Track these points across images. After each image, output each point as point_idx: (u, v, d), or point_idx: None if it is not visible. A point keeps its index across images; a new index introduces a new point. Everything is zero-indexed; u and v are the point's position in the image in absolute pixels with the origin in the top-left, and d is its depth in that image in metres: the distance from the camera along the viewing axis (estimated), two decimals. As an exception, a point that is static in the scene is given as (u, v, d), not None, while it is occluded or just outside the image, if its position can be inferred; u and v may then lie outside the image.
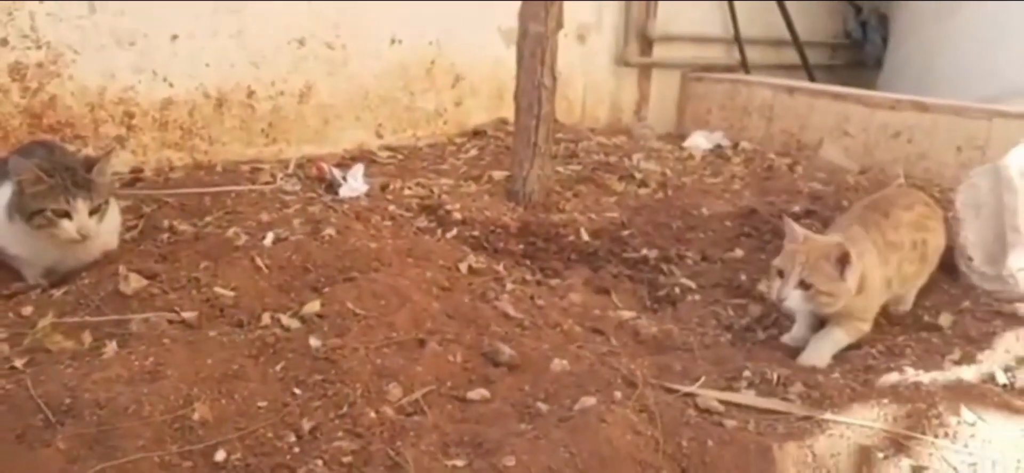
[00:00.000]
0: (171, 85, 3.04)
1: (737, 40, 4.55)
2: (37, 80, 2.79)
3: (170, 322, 1.78)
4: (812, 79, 4.68)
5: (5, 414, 1.43)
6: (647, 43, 4.31)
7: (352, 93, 3.49)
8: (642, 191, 3.17)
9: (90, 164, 2.03)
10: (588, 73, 4.20)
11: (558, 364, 1.75)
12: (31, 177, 1.90)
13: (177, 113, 3.07)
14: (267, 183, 2.84)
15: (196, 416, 1.44)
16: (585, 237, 2.72)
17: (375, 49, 3.50)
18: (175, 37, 3.00)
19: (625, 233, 2.78)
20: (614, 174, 3.29)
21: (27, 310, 1.89)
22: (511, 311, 2.00)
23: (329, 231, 2.34)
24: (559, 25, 2.97)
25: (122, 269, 1.98)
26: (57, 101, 2.83)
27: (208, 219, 2.45)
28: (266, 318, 1.85)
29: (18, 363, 1.64)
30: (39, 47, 2.76)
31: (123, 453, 1.33)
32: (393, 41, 3.55)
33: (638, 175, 3.30)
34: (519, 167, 2.97)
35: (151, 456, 1.33)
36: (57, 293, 1.95)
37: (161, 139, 3.06)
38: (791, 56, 4.78)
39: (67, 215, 1.92)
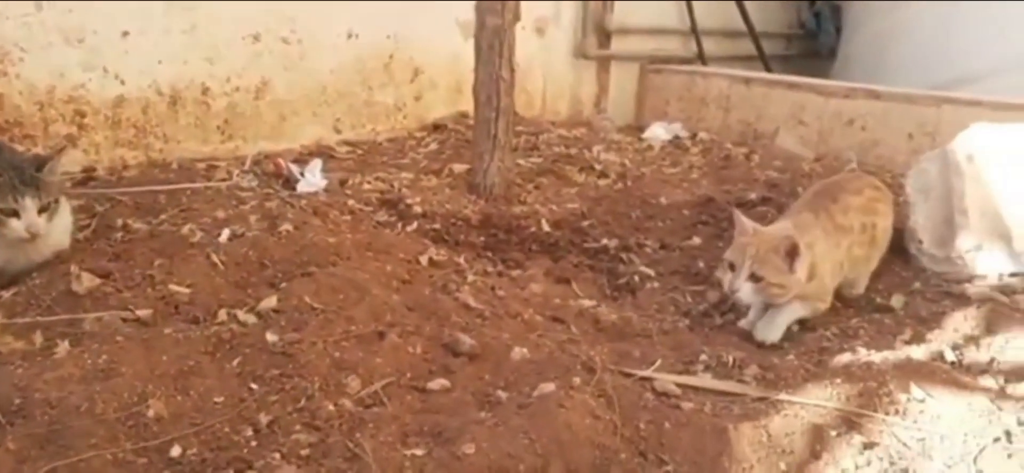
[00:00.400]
0: (123, 82, 2.98)
1: (694, 32, 4.60)
2: (-18, 78, 2.71)
3: (124, 320, 1.75)
4: (768, 69, 4.76)
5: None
6: (605, 36, 4.34)
7: (309, 88, 3.46)
8: (602, 182, 3.19)
9: (40, 163, 1.99)
10: (547, 66, 4.22)
11: (518, 353, 1.76)
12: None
13: (130, 111, 3.02)
14: (223, 180, 2.81)
15: (151, 413, 1.42)
16: (546, 228, 2.73)
17: (332, 43, 3.48)
18: (126, 34, 2.95)
19: (585, 223, 2.80)
20: (574, 166, 3.31)
21: (-25, 310, 1.84)
22: (472, 302, 2.00)
23: (286, 227, 2.32)
24: (516, 18, 2.97)
25: (74, 268, 1.94)
26: (4, 100, 2.76)
27: (163, 217, 2.41)
28: (222, 314, 1.83)
29: (-37, 365, 1.60)
30: (-19, 44, 2.69)
31: (75, 451, 1.31)
32: (350, 35, 3.52)
33: (598, 166, 3.32)
34: (479, 160, 2.98)
35: (104, 454, 1.31)
36: (6, 294, 1.90)
37: (114, 137, 3.01)
38: (747, 47, 4.86)
39: (15, 214, 1.88)
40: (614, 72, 4.47)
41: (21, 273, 2.03)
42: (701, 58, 4.60)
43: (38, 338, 1.75)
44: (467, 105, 3.84)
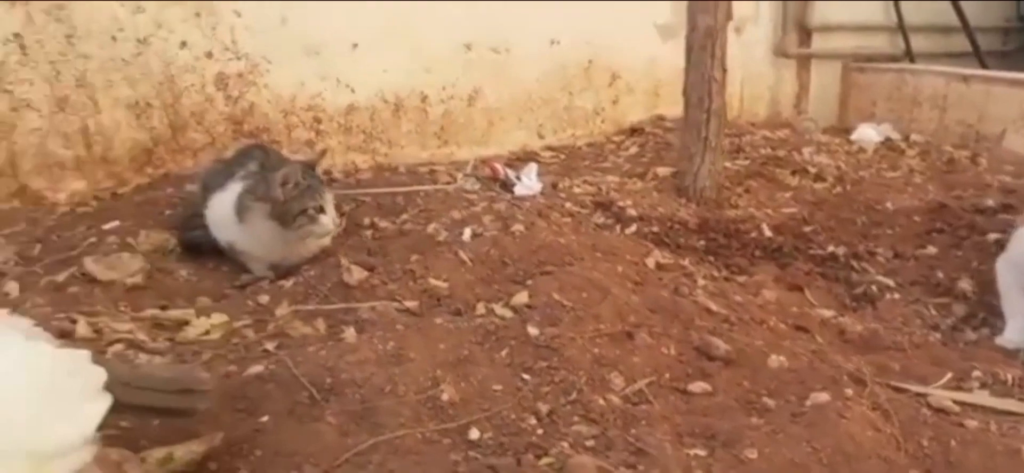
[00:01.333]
0: (353, 91, 3.22)
1: (901, 28, 4.35)
2: (238, 89, 3.02)
3: (397, 310, 1.90)
4: (984, 66, 4.42)
5: (274, 391, 1.57)
6: (805, 33, 4.20)
7: (516, 95, 3.58)
8: (818, 186, 3.10)
9: (310, 165, 2.20)
10: (746, 66, 4.14)
11: (775, 360, 1.75)
12: (293, 181, 2.07)
13: (359, 118, 3.25)
14: (447, 183, 2.96)
15: (445, 396, 1.53)
16: (767, 233, 2.68)
17: (536, 51, 3.58)
18: (355, 46, 3.18)
19: (808, 229, 2.73)
20: (785, 168, 3.23)
21: (264, 299, 2.06)
22: (713, 306, 2.01)
23: (518, 227, 2.42)
24: (728, 17, 2.95)
25: (344, 262, 2.12)
26: (255, 108, 3.06)
27: (404, 217, 2.58)
28: (480, 308, 1.94)
29: (270, 346, 1.80)
30: (239, 58, 3.00)
31: (388, 429, 1.43)
32: (553, 43, 3.62)
33: (812, 169, 3.23)
34: (689, 162, 2.97)
35: (414, 432, 1.43)
36: (287, 284, 2.11)
37: (346, 143, 3.25)
38: (959, 43, 4.53)
39: (323, 210, 2.09)
40: (815, 71, 4.32)
41: (294, 266, 2.25)
42: (909, 55, 4.35)
43: (321, 324, 1.94)
44: (664, 108, 3.85)
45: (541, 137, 3.68)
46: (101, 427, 1.27)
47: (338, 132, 3.23)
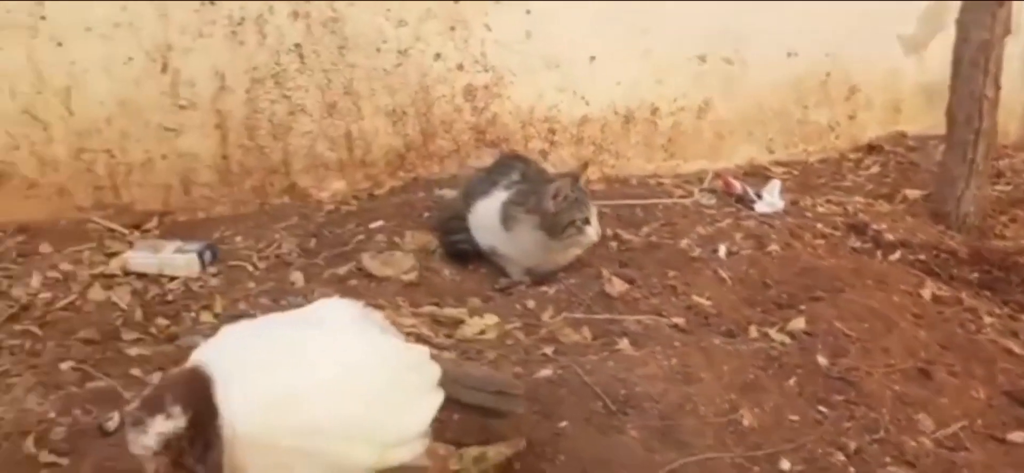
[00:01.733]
0: (587, 103, 3.27)
1: None
2: (483, 100, 3.15)
3: (669, 327, 1.91)
4: None
5: (568, 397, 1.63)
6: (1073, 47, 3.77)
7: (746, 107, 3.49)
8: (1105, 218, 2.79)
9: (575, 178, 2.26)
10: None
11: (1101, 412, 1.59)
12: (563, 194, 2.15)
13: (591, 129, 3.29)
14: (683, 196, 2.94)
15: (745, 422, 1.52)
16: (1046, 267, 2.45)
17: (771, 62, 3.47)
18: (593, 59, 3.22)
19: (1093, 265, 2.45)
20: (1057, 197, 2.94)
21: (530, 304, 2.14)
22: (1013, 347, 1.85)
23: (773, 247, 2.37)
24: (1007, 31, 2.72)
25: (605, 272, 2.16)
26: (497, 119, 3.18)
27: (646, 229, 2.59)
28: (753, 331, 1.91)
29: (548, 350, 1.86)
30: (486, 71, 3.12)
31: (694, 449, 1.44)
32: (789, 54, 3.48)
33: (1089, 198, 2.91)
34: (951, 186, 2.77)
35: (722, 456, 1.42)
36: (550, 291, 2.18)
37: (576, 154, 3.30)
38: None
39: (588, 222, 2.15)
40: (1081, 89, 3.88)
41: (549, 273, 2.32)
42: None
43: (587, 332, 1.98)
44: (904, 124, 3.62)
45: (771, 152, 3.57)
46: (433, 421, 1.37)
47: (570, 143, 3.29)
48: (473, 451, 1.43)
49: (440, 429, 1.43)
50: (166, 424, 1.21)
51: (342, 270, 2.40)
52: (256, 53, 2.86)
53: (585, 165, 2.38)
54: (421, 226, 2.67)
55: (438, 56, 3.04)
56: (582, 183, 2.28)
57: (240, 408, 1.23)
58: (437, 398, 1.38)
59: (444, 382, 1.40)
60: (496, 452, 1.45)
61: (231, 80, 2.86)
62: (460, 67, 3.09)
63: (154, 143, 2.86)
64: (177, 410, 1.22)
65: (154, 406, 1.22)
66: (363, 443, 1.30)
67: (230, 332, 1.37)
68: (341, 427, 1.28)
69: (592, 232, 2.18)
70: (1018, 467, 1.47)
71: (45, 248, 2.62)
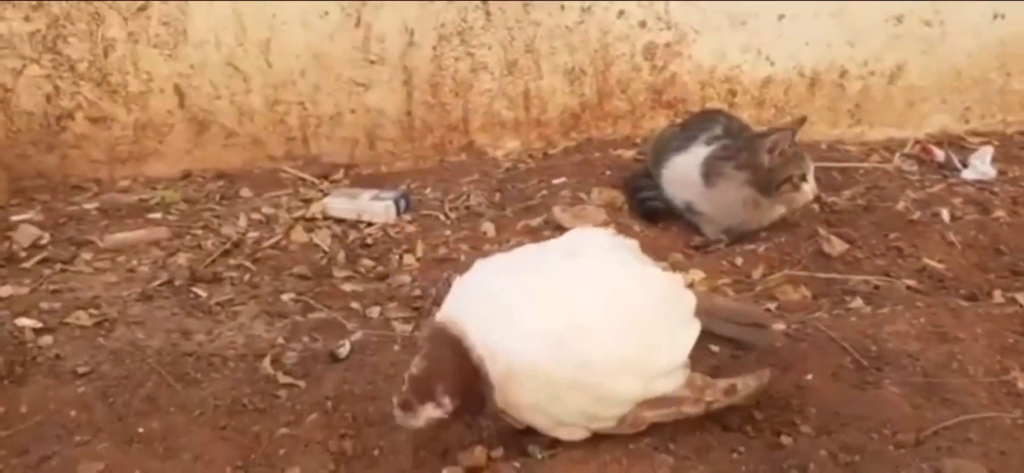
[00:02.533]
0: (772, 64, 3.13)
1: None
2: (664, 59, 3.07)
3: (909, 288, 1.79)
4: None
5: (809, 351, 1.54)
6: None
7: (942, 73, 3.25)
8: None
9: (792, 132, 2.15)
10: None
11: None
12: (779, 148, 2.06)
13: (774, 92, 3.15)
14: (882, 162, 2.78)
15: (1020, 383, 1.40)
16: None
17: (974, 26, 3.21)
18: (781, 17, 3.07)
19: None
20: None
21: (738, 261, 2.07)
22: None
23: (999, 213, 2.19)
24: None
25: (821, 231, 2.05)
26: (676, 79, 3.10)
27: (848, 192, 2.45)
28: (998, 295, 1.76)
29: (770, 306, 1.78)
30: (669, 28, 3.03)
31: (968, 408, 1.34)
32: (995, 16, 3.21)
33: None
34: None
35: (1001, 416, 1.31)
36: (759, 249, 2.10)
37: (757, 117, 3.17)
38: None
39: (805, 179, 2.05)
40: None
41: (749, 232, 2.23)
42: None
43: (804, 290, 1.89)
44: (1125, 95, 3.27)
45: (966, 122, 3.31)
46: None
47: (751, 105, 3.16)
48: (722, 383, 1.37)
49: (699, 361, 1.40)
50: (435, 412, 1.27)
51: (534, 222, 2.39)
52: (445, 9, 2.89)
53: (802, 119, 2.26)
54: (604, 182, 2.63)
55: (621, 13, 2.99)
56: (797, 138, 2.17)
57: (514, 344, 1.24)
58: (696, 327, 1.34)
59: (698, 312, 1.36)
60: (744, 385, 1.38)
61: (420, 36, 2.91)
62: (643, 24, 3.03)
63: (344, 97, 2.96)
64: (446, 401, 1.26)
65: (424, 394, 1.27)
66: (631, 374, 1.28)
67: (487, 267, 1.38)
68: (612, 359, 1.26)
69: (809, 190, 2.07)
70: None
71: (245, 192, 2.77)
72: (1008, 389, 1.40)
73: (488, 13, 2.93)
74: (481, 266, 1.38)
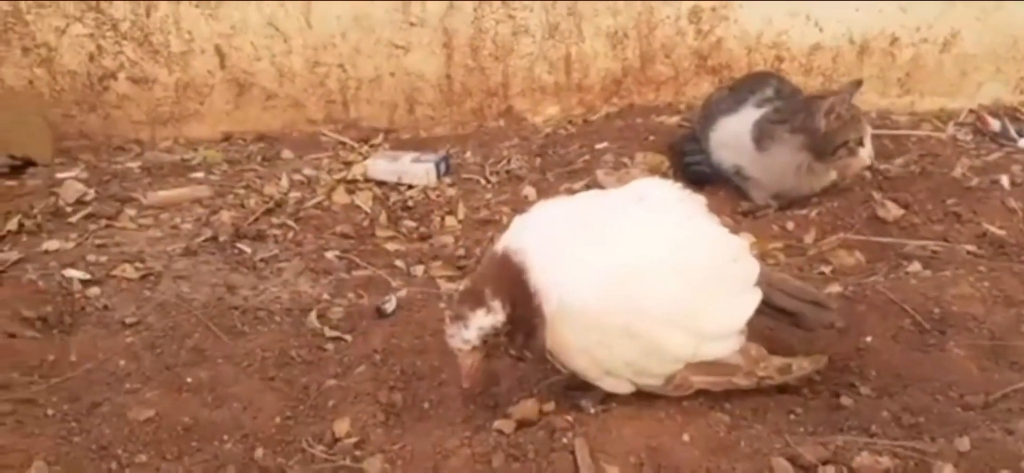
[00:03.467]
0: (821, 30, 3.04)
1: None
2: (709, 23, 3.00)
3: (969, 253, 1.73)
4: None
5: (868, 314, 1.50)
6: None
7: (998, 43, 3.13)
8: None
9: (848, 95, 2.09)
10: None
11: None
12: (837, 111, 1.99)
13: (822, 59, 3.07)
14: (936, 130, 2.70)
15: (1092, 349, 1.34)
16: None
17: (1032, -8, 3.09)
18: (831, -19, 2.98)
19: None
20: None
21: (789, 226, 2.02)
22: None
23: (1061, 181, 2.11)
24: None
25: (876, 196, 2.00)
26: (722, 44, 3.02)
27: (900, 160, 2.38)
28: (1069, 260, 1.70)
29: (825, 270, 1.74)
30: (720, -10, 2.96)
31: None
32: (1054, -18, 3.09)
33: None
34: None
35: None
36: (812, 214, 2.05)
37: (804, 84, 3.08)
38: None
39: (862, 144, 1.99)
40: None
41: (799, 198, 2.18)
42: None
43: (859, 255, 1.84)
44: None
45: (1022, 92, 3.20)
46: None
47: (798, 72, 3.08)
48: (777, 361, 1.34)
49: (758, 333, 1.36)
50: (487, 319, 1.22)
51: (576, 186, 2.36)
52: (487, -31, 2.85)
53: (859, 82, 2.19)
54: (648, 147, 2.58)
55: (667, -27, 2.92)
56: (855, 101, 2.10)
57: (568, 281, 1.21)
58: (756, 295, 1.30)
59: (761, 281, 1.32)
60: (799, 365, 1.35)
61: (460, -3, 2.87)
62: (687, -14, 2.95)
63: (384, 59, 2.93)
64: (497, 304, 1.22)
65: (475, 300, 1.23)
66: (683, 331, 1.24)
67: (547, 208, 1.35)
68: (666, 310, 1.23)
69: (866, 155, 2.00)
70: None
71: (286, 154, 2.76)
72: (1081, 354, 1.35)
73: (532, -28, 2.87)
74: (543, 205, 1.35)
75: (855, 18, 3.05)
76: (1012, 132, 2.67)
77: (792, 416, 1.28)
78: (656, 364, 1.25)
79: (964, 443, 1.12)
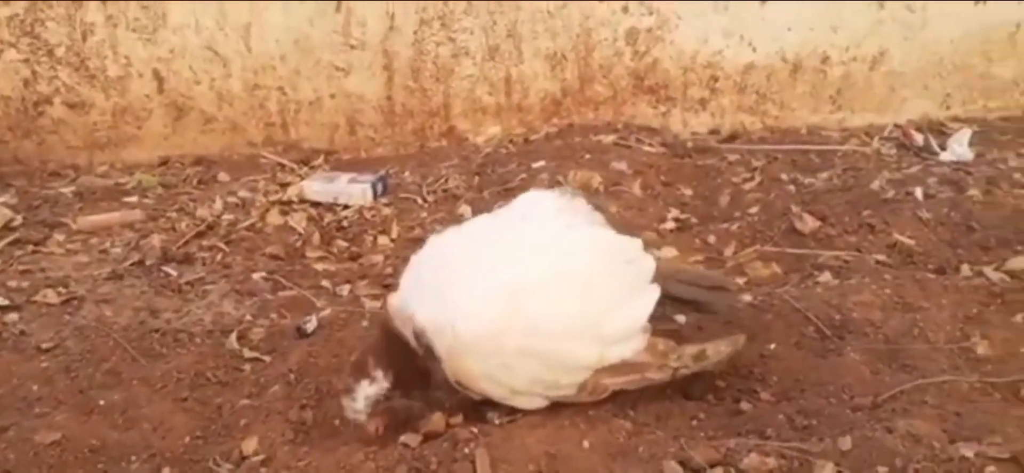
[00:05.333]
0: (754, 50, 3.12)
1: None
2: (646, 45, 3.06)
3: (878, 262, 1.78)
4: None
5: (773, 322, 1.54)
6: None
7: (925, 60, 3.24)
8: None
9: None
10: None
11: None
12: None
13: (756, 77, 3.15)
14: (861, 145, 2.77)
15: (979, 350, 1.39)
16: None
17: (957, 11, 3.20)
18: (764, 1, 3.05)
19: None
20: None
21: (710, 239, 2.06)
22: None
23: (973, 192, 2.19)
24: None
25: (794, 209, 2.05)
26: (658, 64, 3.09)
27: (825, 174, 2.45)
28: (965, 269, 1.76)
29: (740, 281, 1.78)
30: (651, 13, 3.02)
31: (927, 373, 1.33)
32: (978, 1, 3.21)
33: None
34: None
35: (958, 380, 1.31)
36: (732, 227, 2.09)
37: (738, 102, 3.17)
38: None
39: None
40: None
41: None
42: None
43: (775, 267, 1.88)
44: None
45: (947, 108, 3.30)
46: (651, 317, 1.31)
47: (732, 91, 3.15)
48: (691, 349, 1.35)
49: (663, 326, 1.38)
50: (371, 389, 1.28)
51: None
52: (428, -7, 2.88)
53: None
54: (584, 165, 2.62)
55: (604, -2, 2.98)
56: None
57: (460, 313, 1.23)
58: (654, 292, 1.32)
59: (658, 276, 1.35)
60: (715, 350, 1.36)
61: (400, 20, 2.90)
62: (625, 9, 3.01)
63: (324, 82, 2.95)
64: (379, 373, 1.27)
65: (359, 372, 1.28)
66: (584, 339, 1.26)
67: (439, 241, 1.37)
68: (563, 322, 1.25)
69: None
70: None
71: (223, 177, 2.76)
72: (967, 355, 1.40)
73: (470, -3, 2.92)
74: (434, 241, 1.37)
75: (788, 37, 3.13)
76: (934, 145, 2.75)
77: (694, 422, 1.31)
78: (564, 375, 1.27)
79: (846, 442, 1.15)
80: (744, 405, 1.33)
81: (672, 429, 1.28)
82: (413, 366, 1.25)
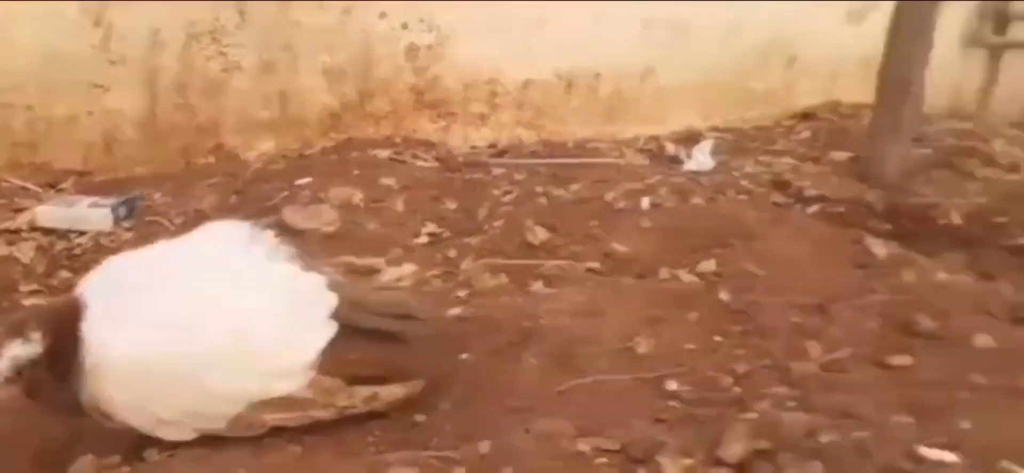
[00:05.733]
0: (532, 67, 3.27)
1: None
2: (426, 61, 3.14)
3: (587, 270, 1.94)
4: None
5: (472, 332, 1.64)
6: (1003, 22, 3.89)
7: (688, 75, 3.52)
8: (1011, 177, 2.89)
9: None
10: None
11: (982, 339, 1.65)
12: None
13: (533, 94, 3.30)
14: (619, 157, 2.98)
15: (640, 349, 1.55)
16: (956, 221, 2.53)
17: (715, 30, 3.50)
18: (539, 21, 3.20)
19: (1002, 220, 2.54)
20: (974, 159, 3.03)
21: (451, 253, 2.16)
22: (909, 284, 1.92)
23: (696, 200, 2.42)
24: (943, -3, 2.79)
25: (528, 222, 2.18)
26: (438, 81, 3.18)
27: (576, 186, 2.62)
28: (664, 272, 1.95)
29: (461, 294, 1.88)
30: (431, 31, 3.11)
31: (587, 373, 1.47)
32: (733, 22, 3.52)
33: (1003, 161, 3.01)
34: (876, 145, 2.85)
35: (612, 378, 1.46)
36: (474, 241, 2.20)
37: (517, 117, 3.32)
38: None
39: None
40: (1008, 62, 3.99)
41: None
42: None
43: (504, 278, 2.00)
44: (840, 94, 3.70)
45: (709, 119, 3.62)
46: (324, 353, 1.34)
47: (511, 107, 3.30)
48: (364, 391, 1.38)
49: (339, 364, 1.42)
50: (22, 349, 1.20)
51: (262, 225, 2.37)
52: (195, 7, 2.81)
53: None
54: (352, 181, 2.66)
55: (383, 15, 3.03)
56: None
57: (107, 334, 1.21)
58: (328, 330, 1.33)
59: (342, 309, 1.36)
60: (388, 393, 1.40)
61: (167, 35, 2.81)
62: (404, 26, 3.08)
63: (80, 99, 2.81)
64: (36, 336, 1.20)
65: (14, 330, 1.21)
66: (242, 372, 1.27)
67: (113, 262, 1.36)
68: (219, 354, 1.25)
69: None
70: (895, 384, 1.51)
71: (-50, 204, 2.56)
72: (629, 354, 1.55)
73: (242, 12, 2.88)
74: (109, 262, 1.36)
75: (562, 55, 3.30)
76: (682, 156, 3.01)
77: (370, 438, 1.36)
78: (216, 407, 1.26)
79: (486, 446, 1.26)
80: (419, 417, 1.41)
81: (347, 447, 1.33)
82: (70, 350, 1.20)
